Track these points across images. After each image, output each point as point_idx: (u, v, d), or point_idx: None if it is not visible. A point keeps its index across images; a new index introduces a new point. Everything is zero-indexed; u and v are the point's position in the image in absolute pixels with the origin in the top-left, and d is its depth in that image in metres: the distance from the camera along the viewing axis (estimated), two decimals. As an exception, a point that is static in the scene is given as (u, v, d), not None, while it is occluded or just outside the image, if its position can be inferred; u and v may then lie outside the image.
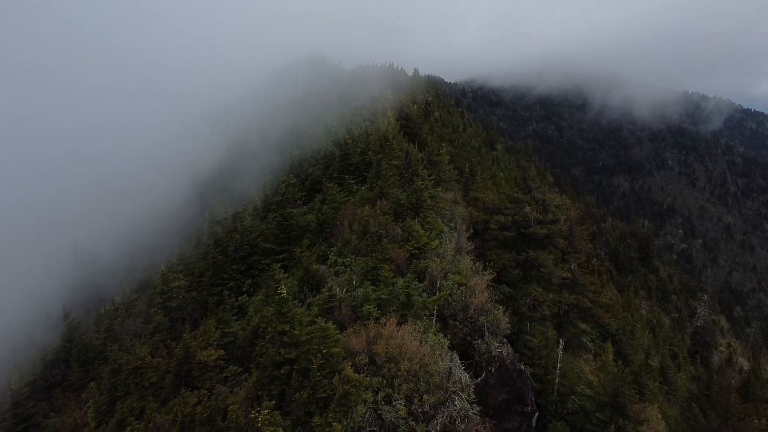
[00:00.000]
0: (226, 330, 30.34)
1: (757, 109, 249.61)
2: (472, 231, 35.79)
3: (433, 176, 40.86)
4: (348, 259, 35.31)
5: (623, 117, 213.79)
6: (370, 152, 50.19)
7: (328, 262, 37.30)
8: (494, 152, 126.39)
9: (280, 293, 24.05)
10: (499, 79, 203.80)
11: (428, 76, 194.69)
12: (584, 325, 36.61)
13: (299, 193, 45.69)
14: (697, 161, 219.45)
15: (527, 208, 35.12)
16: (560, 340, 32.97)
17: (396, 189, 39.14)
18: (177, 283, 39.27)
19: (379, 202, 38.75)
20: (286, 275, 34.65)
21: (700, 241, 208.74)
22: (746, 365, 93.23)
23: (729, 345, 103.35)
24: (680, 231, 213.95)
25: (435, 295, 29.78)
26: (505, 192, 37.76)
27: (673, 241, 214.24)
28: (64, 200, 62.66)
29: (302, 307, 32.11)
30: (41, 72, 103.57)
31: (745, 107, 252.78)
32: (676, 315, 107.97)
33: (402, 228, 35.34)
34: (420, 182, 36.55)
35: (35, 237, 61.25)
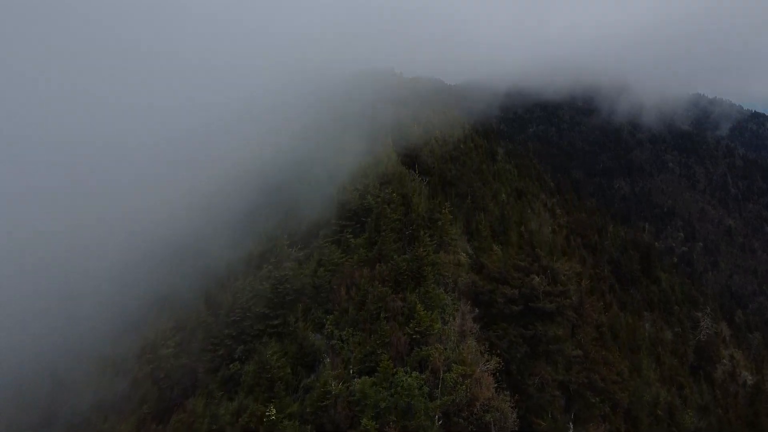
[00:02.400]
0: (214, 427, 27.99)
1: (757, 110, 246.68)
2: (476, 311, 33.28)
3: (434, 238, 38.23)
4: (345, 332, 32.89)
5: (630, 123, 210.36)
6: (369, 196, 47.58)
7: (325, 332, 34.97)
8: (495, 165, 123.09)
9: (269, 415, 21.73)
10: (502, 83, 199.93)
11: (428, 78, 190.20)
12: (595, 399, 34.24)
13: (295, 252, 43.06)
14: (698, 163, 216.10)
15: (535, 279, 32.60)
16: (570, 423, 30.63)
17: (396, 252, 36.58)
18: (166, 351, 36.99)
19: (378, 266, 36.25)
20: (278, 354, 32.20)
21: (701, 244, 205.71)
22: (749, 378, 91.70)
23: (732, 357, 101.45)
24: (681, 234, 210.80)
25: (438, 388, 27.46)
26: (511, 260, 35.04)
27: (673, 244, 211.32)
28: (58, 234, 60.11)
29: (295, 396, 29.86)
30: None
31: (745, 108, 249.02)
32: (679, 329, 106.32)
33: (402, 299, 32.90)
34: (421, 249, 33.98)
35: (25, 273, 58.81)
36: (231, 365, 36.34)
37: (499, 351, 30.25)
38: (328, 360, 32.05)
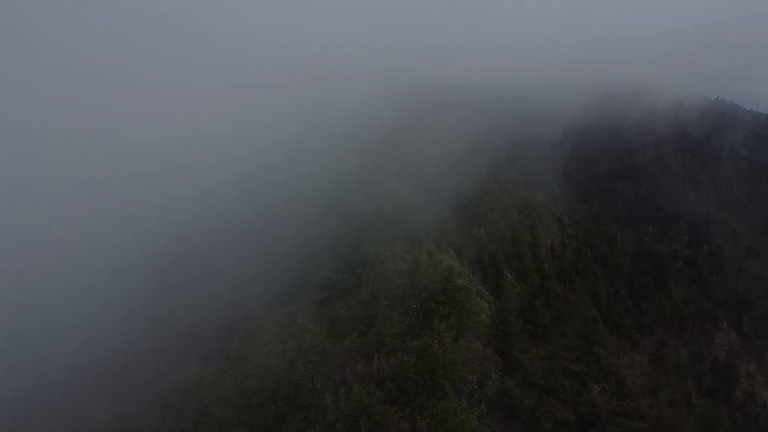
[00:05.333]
0: None
1: (759, 110, 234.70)
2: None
3: (452, 318, 27.38)
4: (331, 461, 22.59)
5: (635, 126, 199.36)
6: (367, 243, 36.93)
7: (304, 454, 24.65)
8: (502, 175, 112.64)
9: None
10: (506, 85, 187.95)
11: (429, 80, 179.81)
12: None
13: (273, 317, 32.41)
14: (702, 166, 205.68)
15: (594, 390, 22.23)
16: None
17: (399, 337, 25.97)
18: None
19: (376, 359, 25.69)
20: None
21: (705, 247, 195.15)
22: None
23: (749, 375, 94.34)
24: (685, 237, 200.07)
25: None
26: (561, 362, 24.61)
27: (677, 248, 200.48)
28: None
29: None
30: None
31: (758, 111, 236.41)
32: (696, 348, 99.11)
33: (409, 419, 22.45)
34: (435, 344, 23.38)
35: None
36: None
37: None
38: None
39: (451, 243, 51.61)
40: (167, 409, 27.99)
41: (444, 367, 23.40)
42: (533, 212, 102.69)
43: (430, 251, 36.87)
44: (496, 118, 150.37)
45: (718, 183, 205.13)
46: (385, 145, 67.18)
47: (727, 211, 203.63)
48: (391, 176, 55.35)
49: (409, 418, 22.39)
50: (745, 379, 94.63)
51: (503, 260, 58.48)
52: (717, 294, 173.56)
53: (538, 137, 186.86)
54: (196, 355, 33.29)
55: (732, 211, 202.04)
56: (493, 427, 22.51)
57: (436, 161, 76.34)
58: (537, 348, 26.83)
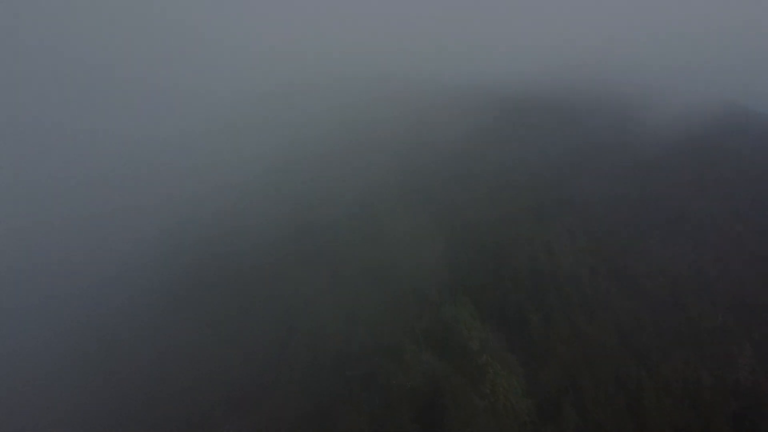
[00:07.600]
0: None
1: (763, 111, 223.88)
2: None
3: None
4: None
5: (640, 127, 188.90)
6: (361, 319, 25.03)
7: None
8: (505, 177, 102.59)
9: None
10: (509, 86, 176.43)
11: (425, 80, 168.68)
12: None
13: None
14: (707, 168, 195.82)
15: None
16: None
17: None
18: None
19: None
20: None
21: (710, 251, 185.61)
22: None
23: None
24: (690, 241, 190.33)
25: None
26: None
27: (682, 252, 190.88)
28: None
29: None
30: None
31: (753, 110, 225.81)
32: (720, 372, 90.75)
33: None
34: None
35: None
36: None
37: None
38: None
39: (467, 288, 40.32)
40: None
41: None
42: (546, 225, 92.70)
43: (447, 324, 25.11)
44: (500, 121, 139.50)
45: (722, 185, 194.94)
46: (388, 160, 55.34)
47: (733, 215, 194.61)
48: (394, 200, 43.36)
49: None
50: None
51: (527, 304, 47.39)
52: (723, 299, 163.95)
53: (541, 140, 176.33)
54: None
55: (737, 214, 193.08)
56: None
57: (441, 176, 64.75)
58: None
